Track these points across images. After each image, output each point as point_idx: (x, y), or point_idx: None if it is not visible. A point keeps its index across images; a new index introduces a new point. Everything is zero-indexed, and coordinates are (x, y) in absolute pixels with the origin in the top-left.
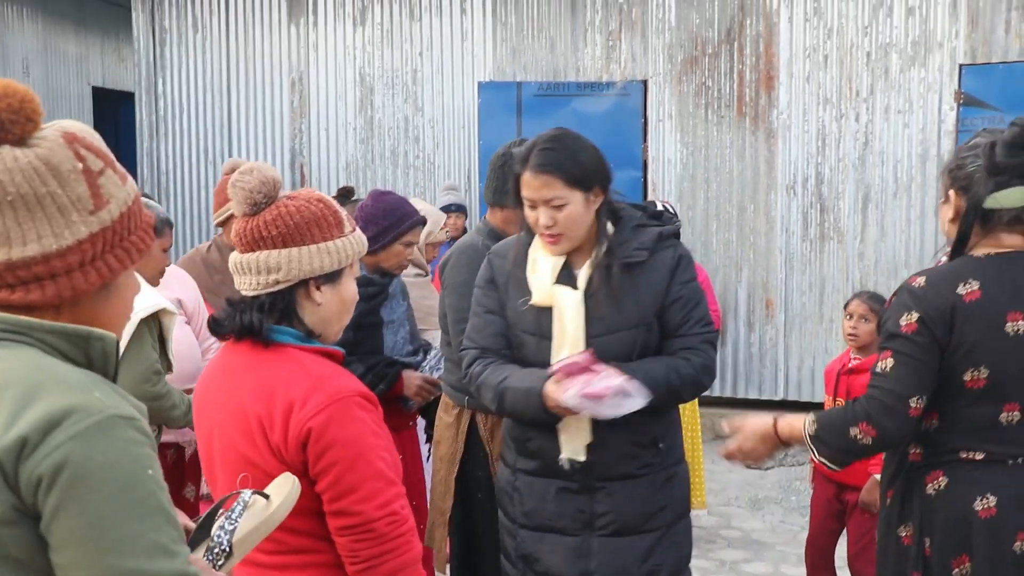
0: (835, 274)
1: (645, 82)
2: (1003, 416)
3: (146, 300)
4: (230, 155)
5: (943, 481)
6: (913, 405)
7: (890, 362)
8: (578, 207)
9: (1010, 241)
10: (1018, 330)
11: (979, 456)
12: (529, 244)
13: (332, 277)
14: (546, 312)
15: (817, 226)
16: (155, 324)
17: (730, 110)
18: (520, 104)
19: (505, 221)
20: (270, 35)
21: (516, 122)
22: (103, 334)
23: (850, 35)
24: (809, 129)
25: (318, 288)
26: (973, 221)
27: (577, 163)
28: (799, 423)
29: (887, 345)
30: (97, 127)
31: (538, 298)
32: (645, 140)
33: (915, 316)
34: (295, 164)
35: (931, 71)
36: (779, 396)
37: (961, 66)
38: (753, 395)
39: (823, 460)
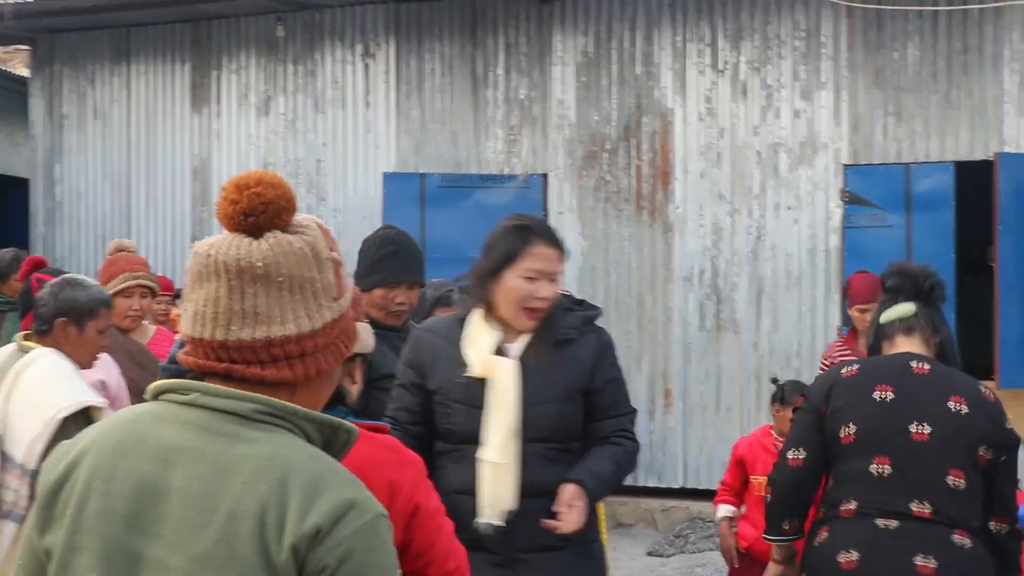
0: (731, 363)
1: (545, 175)
2: (873, 467)
3: (71, 397)
4: None
5: (824, 535)
6: (790, 456)
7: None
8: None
9: (906, 346)
10: (884, 397)
11: (852, 507)
12: (463, 322)
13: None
14: (478, 382)
15: (714, 317)
16: (83, 421)
17: (628, 204)
18: (424, 195)
19: (369, 305)
20: (172, 123)
21: (419, 212)
22: (350, 427)
23: (741, 134)
24: (704, 223)
25: (360, 365)
26: (876, 334)
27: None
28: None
29: None
30: None
31: (478, 369)
32: None
33: (807, 392)
34: None
35: (818, 170)
36: (679, 484)
37: (845, 166)
38: (653, 483)
39: (771, 538)
